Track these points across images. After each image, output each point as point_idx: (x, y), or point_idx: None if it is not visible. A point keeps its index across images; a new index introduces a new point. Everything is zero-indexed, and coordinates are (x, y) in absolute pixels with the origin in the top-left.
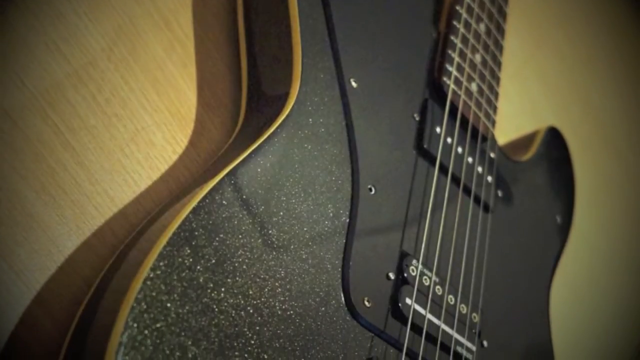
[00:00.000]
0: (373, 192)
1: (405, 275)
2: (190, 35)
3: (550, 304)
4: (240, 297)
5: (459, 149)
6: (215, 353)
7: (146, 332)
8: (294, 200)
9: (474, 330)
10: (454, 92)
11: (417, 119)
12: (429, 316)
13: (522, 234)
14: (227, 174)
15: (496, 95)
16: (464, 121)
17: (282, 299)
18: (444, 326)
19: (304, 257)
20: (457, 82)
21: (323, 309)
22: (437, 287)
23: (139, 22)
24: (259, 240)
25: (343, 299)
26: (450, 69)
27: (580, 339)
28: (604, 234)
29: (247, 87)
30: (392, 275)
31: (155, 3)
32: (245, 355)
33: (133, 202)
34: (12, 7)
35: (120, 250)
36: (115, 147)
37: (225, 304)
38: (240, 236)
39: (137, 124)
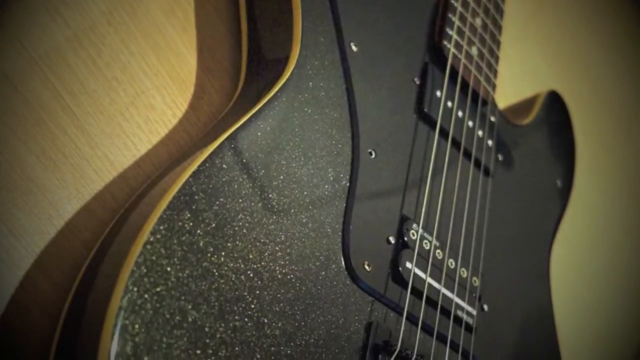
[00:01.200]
0: (373, 156)
1: (406, 239)
2: None
3: (551, 267)
4: (240, 261)
5: (459, 113)
6: (215, 317)
7: (146, 296)
8: (294, 164)
9: (474, 294)
10: (455, 55)
11: (418, 82)
12: (430, 280)
13: (523, 198)
14: (227, 138)
15: (496, 59)
16: (465, 85)
17: (282, 263)
18: (444, 290)
19: (304, 221)
20: (458, 45)
21: (323, 273)
22: (438, 251)
23: None
24: (259, 204)
25: (343, 263)
26: (450, 32)
27: (580, 302)
28: (604, 197)
29: (247, 51)
30: (392, 239)
31: None
32: (245, 319)
33: (133, 165)
34: None
35: (120, 214)
36: (115, 111)
37: (225, 268)
38: (240, 200)
39: (137, 87)
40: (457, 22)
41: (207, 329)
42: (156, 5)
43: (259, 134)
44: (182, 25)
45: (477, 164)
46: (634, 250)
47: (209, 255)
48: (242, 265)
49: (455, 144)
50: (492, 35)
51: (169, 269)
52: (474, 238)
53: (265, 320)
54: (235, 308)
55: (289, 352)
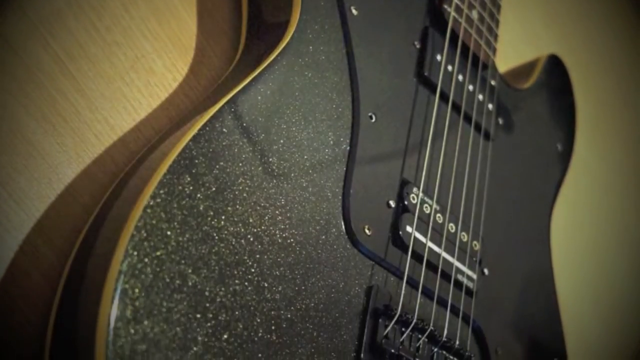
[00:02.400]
0: (374, 120)
1: (406, 203)
2: None
3: (551, 231)
4: (240, 225)
5: (460, 77)
6: (215, 281)
7: (146, 260)
8: (294, 128)
9: (474, 259)
10: (455, 19)
11: (418, 46)
12: (430, 244)
13: (523, 162)
14: (227, 102)
15: (497, 22)
16: (465, 49)
17: (282, 227)
18: (444, 254)
19: (304, 185)
20: (458, 9)
21: (323, 237)
22: (438, 215)
23: None
24: (259, 168)
25: (343, 226)
26: None
27: (580, 265)
28: (604, 161)
29: (247, 15)
30: (392, 203)
31: None
32: (246, 283)
33: (133, 129)
34: None
35: (120, 178)
36: (115, 75)
37: (226, 232)
38: (240, 164)
39: (138, 51)
40: None
41: (207, 293)
42: None
43: (259, 97)
44: None
45: (478, 127)
46: (634, 214)
47: (209, 219)
48: (242, 229)
49: (456, 107)
50: None
51: (169, 233)
52: (474, 202)
53: (266, 285)
54: (236, 272)
55: (289, 316)
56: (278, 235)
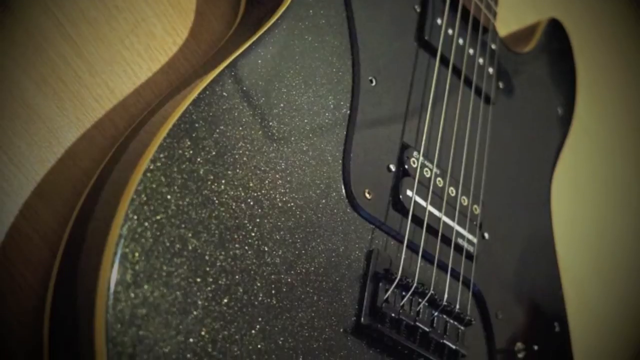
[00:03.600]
0: (374, 83)
1: (406, 167)
2: None
3: (552, 195)
4: (240, 189)
5: (460, 41)
6: (215, 245)
7: (146, 224)
8: (294, 92)
9: (475, 223)
10: None
11: (418, 10)
12: (430, 208)
13: (524, 126)
14: (227, 66)
15: None
16: (465, 13)
17: (282, 191)
18: (445, 218)
19: (304, 149)
20: None
21: (324, 201)
22: (438, 179)
23: None
24: (260, 132)
25: (344, 190)
26: None
27: (581, 229)
28: (604, 125)
29: None
30: (392, 167)
31: None
32: (246, 247)
33: (133, 93)
34: None
35: (120, 142)
36: (115, 39)
37: (226, 196)
38: (240, 128)
39: (137, 15)
40: None
41: (207, 257)
42: None
43: (259, 61)
44: None
45: (478, 91)
46: (634, 177)
47: (209, 183)
48: (243, 193)
49: (456, 71)
50: None
51: (169, 197)
52: (474, 166)
53: (266, 249)
54: (236, 236)
55: (289, 280)
56: (278, 199)
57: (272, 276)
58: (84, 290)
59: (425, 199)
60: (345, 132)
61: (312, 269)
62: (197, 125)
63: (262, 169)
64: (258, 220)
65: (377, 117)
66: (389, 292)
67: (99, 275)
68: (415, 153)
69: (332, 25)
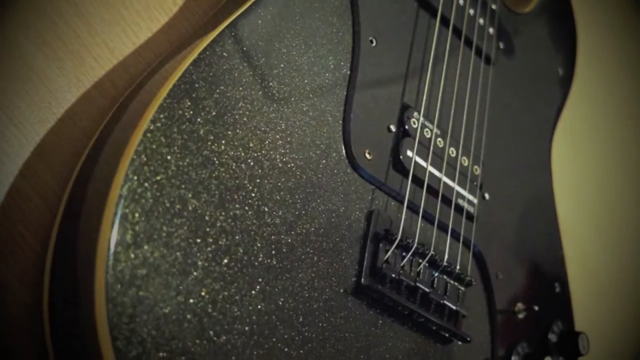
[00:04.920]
0: (374, 44)
1: (407, 127)
2: None
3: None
4: (240, 149)
5: (460, 1)
6: (215, 205)
7: (146, 184)
8: (294, 52)
9: (475, 183)
10: None
11: None
12: (430, 168)
13: (524, 86)
14: (227, 26)
15: None
16: None
17: (282, 151)
18: (445, 179)
19: (304, 109)
20: None
21: (324, 161)
22: (439, 139)
23: None
24: (260, 93)
25: (344, 151)
26: None
27: (581, 190)
28: (604, 85)
29: None
30: (393, 128)
31: None
32: (246, 207)
33: (133, 53)
34: None
35: (120, 102)
36: None
37: (226, 156)
38: (240, 88)
39: None
40: None
41: (207, 218)
42: None
43: (260, 22)
44: None
45: (478, 52)
46: (634, 138)
47: (209, 143)
48: (243, 154)
49: (456, 32)
50: None
51: (169, 157)
52: (474, 126)
53: (266, 209)
54: (236, 196)
55: (289, 240)
56: (278, 160)
57: (272, 237)
58: (84, 250)
59: (426, 160)
60: (345, 93)
61: (312, 229)
62: (197, 85)
63: (262, 129)
64: (258, 180)
65: (378, 77)
66: (389, 253)
67: (98, 235)
68: (415, 113)
69: None
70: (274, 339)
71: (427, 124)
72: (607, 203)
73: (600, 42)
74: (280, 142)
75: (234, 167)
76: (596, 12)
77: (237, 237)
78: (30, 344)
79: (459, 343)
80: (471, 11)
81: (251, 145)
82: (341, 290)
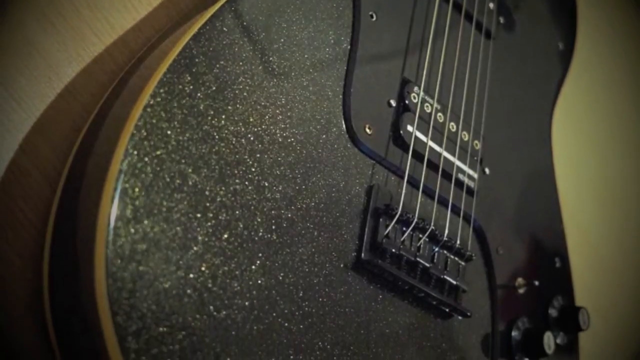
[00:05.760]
0: (374, 18)
1: (407, 102)
2: None
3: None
4: (240, 124)
5: None
6: (215, 180)
7: (146, 159)
8: (294, 27)
9: (475, 158)
10: None
11: None
12: (431, 143)
13: (524, 61)
14: (227, 1)
15: None
16: None
17: (282, 126)
18: (445, 153)
19: (304, 84)
20: None
21: (324, 136)
22: (439, 114)
23: None
24: (260, 68)
25: (344, 126)
26: None
27: (581, 164)
28: (604, 60)
29: None
30: (393, 103)
31: None
32: (246, 182)
33: (133, 28)
34: None
35: (120, 77)
36: None
37: (226, 131)
38: (240, 63)
39: None
40: None
41: (207, 193)
42: None
43: None
44: None
45: (479, 26)
46: (634, 112)
47: (209, 118)
48: (243, 129)
49: (457, 6)
50: None
51: (169, 132)
52: (475, 101)
53: (266, 184)
54: (236, 171)
55: (289, 215)
56: (278, 135)
57: (273, 211)
58: (84, 225)
59: (426, 134)
60: (345, 68)
61: (313, 204)
62: (197, 60)
63: (263, 104)
64: (258, 155)
65: (378, 52)
66: (390, 228)
67: (98, 210)
68: (415, 88)
69: None
70: (274, 314)
71: (427, 98)
72: (607, 177)
73: (602, 16)
74: (280, 117)
75: (234, 142)
76: None
77: (237, 212)
78: (30, 319)
79: (459, 318)
80: None
81: (251, 120)
82: (341, 265)
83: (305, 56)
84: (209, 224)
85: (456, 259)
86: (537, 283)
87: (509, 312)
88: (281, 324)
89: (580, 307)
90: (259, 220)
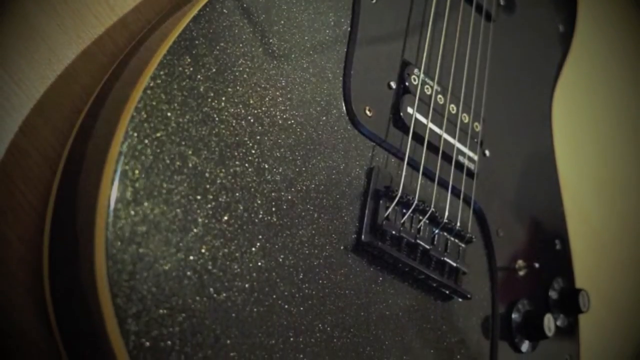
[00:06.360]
0: (374, 0)
1: (407, 84)
2: None
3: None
4: (240, 106)
5: None
6: (215, 162)
7: (146, 141)
8: (294, 9)
9: (475, 140)
10: None
11: None
12: (431, 125)
13: (524, 43)
14: None
15: None
16: None
17: (282, 108)
18: (445, 135)
19: (304, 66)
20: None
21: (324, 118)
22: (439, 96)
23: None
24: (260, 49)
25: (344, 108)
26: None
27: (582, 146)
28: (605, 41)
29: None
30: (393, 85)
31: None
32: (246, 164)
33: (133, 10)
34: None
35: (121, 59)
36: None
37: (226, 113)
38: (241, 45)
39: None
40: None
41: (207, 175)
42: None
43: None
44: None
45: (479, 8)
46: (634, 94)
47: (209, 100)
48: (243, 111)
49: None
50: None
51: (169, 114)
52: (475, 83)
53: (266, 166)
54: (236, 153)
55: (289, 197)
56: (279, 117)
57: (273, 193)
58: (84, 207)
59: (426, 116)
60: (345, 49)
61: (313, 186)
62: (197, 42)
63: (263, 86)
64: (258, 137)
65: (378, 34)
66: (390, 210)
67: (98, 192)
68: (416, 70)
69: None
70: (274, 296)
71: (427, 80)
72: (607, 159)
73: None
74: (280, 99)
75: (234, 124)
76: None
77: (237, 194)
78: (30, 301)
79: (459, 300)
80: None
81: (251, 102)
82: (341, 247)
83: (306, 38)
84: (209, 206)
85: (456, 241)
86: (537, 265)
87: (509, 294)
88: (281, 306)
89: (580, 289)
90: (259, 202)
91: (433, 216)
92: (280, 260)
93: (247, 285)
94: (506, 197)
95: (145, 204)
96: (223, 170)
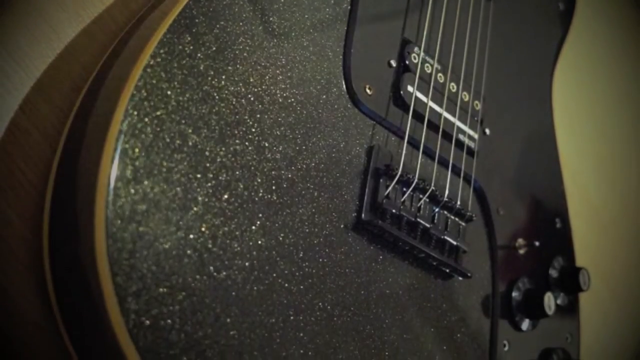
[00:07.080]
0: None
1: (407, 62)
2: None
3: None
4: (241, 84)
5: None
6: (215, 141)
7: (146, 119)
8: None
9: (476, 118)
10: None
11: None
12: (431, 104)
13: (525, 21)
14: None
15: None
16: None
17: (282, 86)
18: (446, 114)
19: (304, 44)
20: None
21: (324, 96)
22: (439, 74)
23: None
24: (260, 28)
25: (344, 86)
26: None
27: (582, 124)
28: (605, 19)
29: None
30: (393, 63)
31: None
32: (246, 143)
33: None
34: None
35: (120, 37)
36: None
37: (226, 91)
38: (241, 23)
39: None
40: None
41: (207, 153)
42: None
43: None
44: None
45: None
46: (633, 72)
47: (209, 78)
48: (243, 89)
49: None
50: None
51: (169, 92)
52: (475, 62)
53: (266, 144)
54: (236, 132)
55: (289, 175)
56: (279, 95)
57: (273, 172)
58: (84, 186)
59: (426, 95)
60: (345, 28)
61: (313, 164)
62: (197, 20)
63: (263, 64)
64: (258, 115)
65: (378, 12)
66: (390, 188)
67: (98, 171)
68: (416, 48)
69: None
70: (274, 275)
71: (427, 59)
72: (607, 138)
73: None
74: (280, 77)
75: (234, 103)
76: None
77: (237, 173)
78: (30, 280)
79: (460, 279)
80: None
81: (251, 80)
82: (342, 226)
83: (306, 16)
84: (209, 184)
85: (456, 219)
86: (537, 244)
87: (509, 272)
88: (281, 285)
89: (580, 267)
90: (259, 180)
91: (433, 195)
92: (281, 238)
93: (247, 264)
94: (506, 175)
95: (146, 182)
96: (223, 148)
